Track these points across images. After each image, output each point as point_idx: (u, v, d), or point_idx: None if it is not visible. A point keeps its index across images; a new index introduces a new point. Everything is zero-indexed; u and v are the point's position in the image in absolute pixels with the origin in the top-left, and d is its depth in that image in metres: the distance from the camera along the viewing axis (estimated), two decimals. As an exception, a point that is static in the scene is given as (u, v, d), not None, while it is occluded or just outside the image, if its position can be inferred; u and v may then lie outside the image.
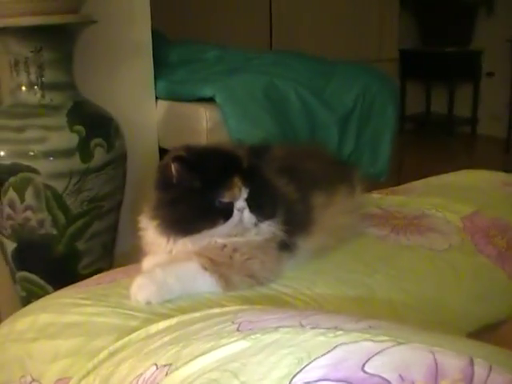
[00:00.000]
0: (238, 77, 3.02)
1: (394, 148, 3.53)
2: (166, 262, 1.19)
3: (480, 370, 0.56)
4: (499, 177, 1.99)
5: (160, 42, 3.50)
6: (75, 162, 2.34)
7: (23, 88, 2.37)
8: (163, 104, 3.12)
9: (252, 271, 1.19)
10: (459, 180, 1.95)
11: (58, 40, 2.35)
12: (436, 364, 0.56)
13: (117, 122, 2.55)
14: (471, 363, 0.56)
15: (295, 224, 1.26)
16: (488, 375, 0.55)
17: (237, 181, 1.17)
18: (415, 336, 0.63)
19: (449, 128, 6.49)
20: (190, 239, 1.18)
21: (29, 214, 2.36)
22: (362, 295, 1.24)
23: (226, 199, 1.16)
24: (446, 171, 2.09)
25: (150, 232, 1.23)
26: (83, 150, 2.35)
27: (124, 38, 2.95)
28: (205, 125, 2.88)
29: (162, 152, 3.11)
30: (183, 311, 1.09)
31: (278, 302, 1.16)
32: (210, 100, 2.93)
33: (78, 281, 1.35)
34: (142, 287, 1.13)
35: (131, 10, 2.96)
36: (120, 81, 2.97)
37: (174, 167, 1.16)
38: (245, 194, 1.17)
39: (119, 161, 2.53)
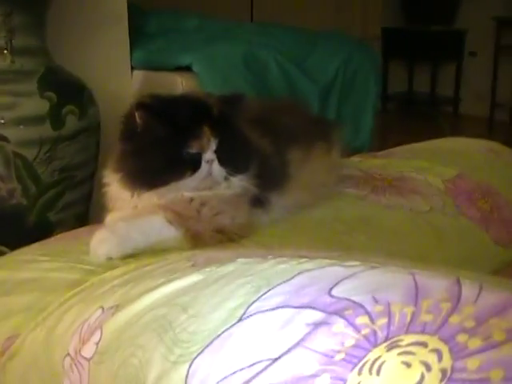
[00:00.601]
0: (216, 45, 2.95)
1: (377, 126, 3.49)
2: (129, 216, 1.11)
3: (468, 289, 0.49)
4: (483, 143, 1.94)
5: (136, 13, 3.42)
6: (46, 130, 2.27)
7: (-8, 53, 2.29)
8: (139, 74, 3.05)
9: (221, 226, 1.11)
10: (443, 145, 1.89)
11: (29, 3, 2.27)
12: (416, 284, 0.49)
13: (90, 90, 2.47)
14: (458, 282, 0.49)
15: (269, 179, 1.19)
16: (478, 294, 0.48)
17: (206, 130, 1.09)
18: (393, 262, 0.57)
19: (431, 108, 6.44)
20: (155, 192, 1.10)
21: (-2, 183, 2.28)
22: (341, 255, 1.17)
23: (193, 150, 1.08)
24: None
25: (114, 186, 1.15)
26: (54, 116, 2.28)
27: (100, 5, 2.88)
28: (181, 93, 2.81)
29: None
30: (147, 267, 1.02)
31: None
32: (187, 69, 2.86)
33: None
34: (102, 241, 1.05)
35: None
36: (95, 49, 2.89)
37: (137, 115, 1.08)
38: (214, 145, 1.09)
39: (92, 129, 2.45)
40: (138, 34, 3.16)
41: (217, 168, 1.10)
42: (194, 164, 1.08)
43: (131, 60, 3.04)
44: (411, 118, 6.63)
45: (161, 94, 1.15)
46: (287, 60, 2.97)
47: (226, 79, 2.82)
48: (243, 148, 1.14)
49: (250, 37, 3.07)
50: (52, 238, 1.27)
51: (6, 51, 2.27)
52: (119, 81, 3.00)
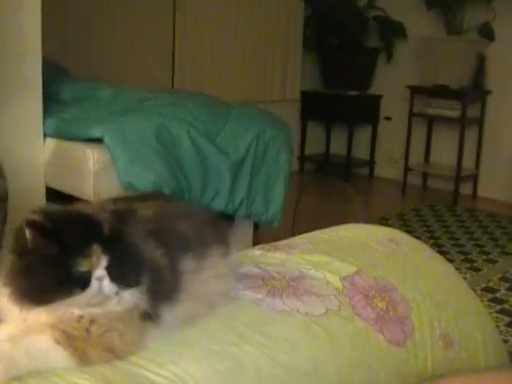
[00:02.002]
0: (128, 118, 2.95)
1: (290, 190, 3.53)
2: (17, 335, 1.09)
3: None
4: (385, 232, 1.98)
5: (54, 75, 3.40)
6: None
7: None
8: (52, 142, 3.02)
9: (110, 345, 1.10)
10: (345, 235, 1.91)
11: None
12: None
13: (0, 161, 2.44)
14: None
15: (161, 292, 1.18)
16: None
17: (95, 248, 1.08)
18: None
19: (347, 169, 6.57)
20: (43, 309, 1.09)
21: None
22: (230, 368, 1.17)
23: (82, 268, 1.08)
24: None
25: (4, 298, 1.13)
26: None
27: (12, 73, 2.85)
28: (92, 166, 2.79)
29: (50, 191, 3.00)
30: (30, 391, 1.00)
31: (137, 381, 1.08)
32: (99, 140, 2.84)
33: None
34: None
35: (22, 44, 2.86)
36: (6, 117, 2.85)
37: (28, 232, 1.08)
38: (104, 262, 1.09)
39: (-1, 202, 2.41)
40: (52, 100, 3.14)
41: (107, 284, 1.09)
42: (83, 281, 1.07)
43: (44, 128, 3.01)
44: (327, 179, 6.74)
45: (52, 210, 1.15)
46: (200, 134, 2.99)
47: (137, 153, 2.81)
48: (135, 262, 1.14)
49: (163, 110, 3.07)
50: None
51: None
52: (31, 149, 2.97)
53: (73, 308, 1.10)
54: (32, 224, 1.08)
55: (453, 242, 4.64)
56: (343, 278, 1.57)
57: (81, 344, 1.08)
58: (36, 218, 1.09)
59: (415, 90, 6.15)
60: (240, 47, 5.90)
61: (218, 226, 1.46)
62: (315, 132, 6.95)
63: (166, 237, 1.26)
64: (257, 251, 1.72)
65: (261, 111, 3.47)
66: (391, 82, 6.57)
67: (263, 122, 3.31)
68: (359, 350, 1.40)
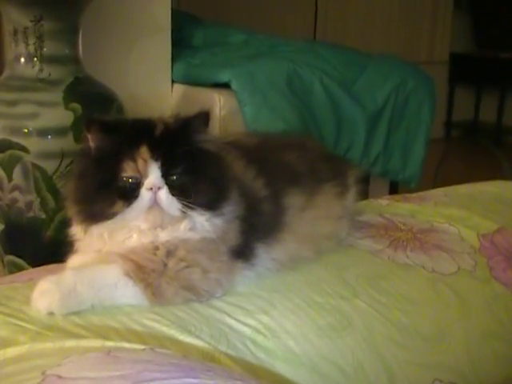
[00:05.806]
0: (257, 62, 2.78)
1: (434, 154, 3.27)
2: (89, 263, 0.95)
3: None
4: (534, 190, 1.71)
5: (186, 23, 3.31)
6: (68, 142, 2.14)
7: (22, 60, 2.18)
8: (179, 88, 2.92)
9: (190, 282, 0.93)
10: (488, 190, 1.66)
11: (60, 9, 2.15)
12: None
13: (120, 103, 2.34)
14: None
15: (257, 226, 1.00)
16: None
17: (143, 151, 0.91)
18: None
19: (497, 137, 6.15)
20: (102, 228, 0.94)
21: (16, 194, 2.17)
22: (335, 325, 0.98)
23: (128, 174, 0.92)
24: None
25: (74, 222, 1.00)
26: (78, 129, 2.14)
27: (141, 14, 2.76)
28: (218, 112, 2.65)
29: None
30: (91, 328, 0.86)
31: (217, 327, 0.91)
32: (227, 86, 2.70)
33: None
34: (44, 293, 0.88)
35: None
36: (134, 60, 2.77)
37: (86, 129, 0.94)
38: (156, 168, 0.91)
39: (119, 144, 2.32)
40: (182, 47, 3.04)
41: (165, 197, 0.91)
42: (129, 192, 0.91)
43: (172, 73, 2.92)
44: (475, 148, 6.36)
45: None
46: (334, 82, 2.78)
47: (265, 99, 2.64)
48: (211, 180, 0.96)
49: (295, 55, 2.88)
50: (7, 277, 1.12)
51: (35, 59, 2.16)
52: (158, 94, 2.88)
53: (142, 236, 0.94)
54: (90, 121, 0.94)
55: None
56: (482, 236, 1.33)
57: (155, 279, 0.92)
58: (97, 116, 0.95)
59: None
60: (386, 2, 5.60)
61: (336, 162, 1.25)
62: (464, 97, 6.55)
63: (269, 167, 1.07)
64: (383, 201, 1.51)
65: (402, 61, 3.21)
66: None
67: (404, 72, 3.04)
68: (494, 319, 1.18)
